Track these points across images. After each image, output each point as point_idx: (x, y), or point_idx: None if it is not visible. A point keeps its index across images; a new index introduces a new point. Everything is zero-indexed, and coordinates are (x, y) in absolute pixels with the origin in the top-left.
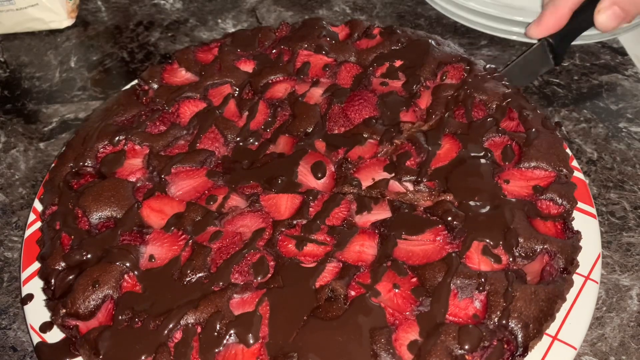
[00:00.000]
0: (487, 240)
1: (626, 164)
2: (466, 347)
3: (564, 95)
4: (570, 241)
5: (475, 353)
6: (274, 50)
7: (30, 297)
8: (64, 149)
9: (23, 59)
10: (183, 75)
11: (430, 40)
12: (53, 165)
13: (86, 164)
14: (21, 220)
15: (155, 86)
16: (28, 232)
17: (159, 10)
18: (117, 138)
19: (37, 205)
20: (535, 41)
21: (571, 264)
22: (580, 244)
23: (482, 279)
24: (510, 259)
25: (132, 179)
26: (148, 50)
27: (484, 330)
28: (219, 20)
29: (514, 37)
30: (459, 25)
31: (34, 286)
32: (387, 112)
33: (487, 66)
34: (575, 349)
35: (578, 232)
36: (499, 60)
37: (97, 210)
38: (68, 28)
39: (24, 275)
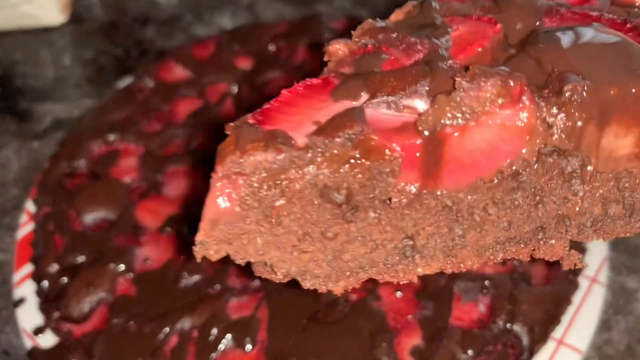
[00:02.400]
0: None
1: None
2: (470, 352)
3: None
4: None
5: (479, 358)
6: (273, 47)
7: (22, 300)
8: (57, 148)
9: (16, 57)
10: (179, 72)
11: None
12: (46, 165)
13: (80, 163)
14: (13, 222)
15: (151, 84)
16: (20, 233)
17: (154, 5)
18: (111, 137)
19: (30, 206)
20: None
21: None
22: (586, 245)
23: (486, 282)
24: (515, 261)
25: (127, 179)
26: (143, 47)
27: (488, 334)
28: (216, 16)
29: None
30: None
31: (27, 289)
32: None
33: None
34: (581, 352)
35: None
36: None
37: (91, 211)
38: (62, 25)
39: (17, 277)
